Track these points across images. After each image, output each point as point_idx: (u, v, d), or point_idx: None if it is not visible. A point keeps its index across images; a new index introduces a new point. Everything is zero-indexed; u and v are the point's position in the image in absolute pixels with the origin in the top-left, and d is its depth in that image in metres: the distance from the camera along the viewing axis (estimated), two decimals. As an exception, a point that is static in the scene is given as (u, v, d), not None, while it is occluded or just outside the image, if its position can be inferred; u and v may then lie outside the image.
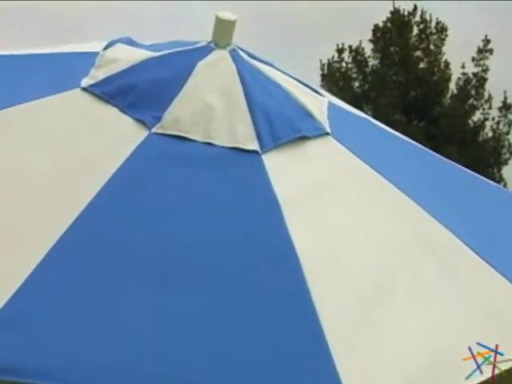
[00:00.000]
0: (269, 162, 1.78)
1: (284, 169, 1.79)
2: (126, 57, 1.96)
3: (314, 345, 1.50)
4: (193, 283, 1.54)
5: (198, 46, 1.99)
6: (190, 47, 1.99)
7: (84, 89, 1.88)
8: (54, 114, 1.84)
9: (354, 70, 19.94)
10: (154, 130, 1.78)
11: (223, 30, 1.98)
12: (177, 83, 1.86)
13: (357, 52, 19.80)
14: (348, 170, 1.90)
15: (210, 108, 1.82)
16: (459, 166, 2.29)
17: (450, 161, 2.31)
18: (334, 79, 19.96)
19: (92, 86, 1.88)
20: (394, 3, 19.00)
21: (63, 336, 1.43)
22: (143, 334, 1.45)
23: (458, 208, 1.98)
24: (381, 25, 19.39)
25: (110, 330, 1.45)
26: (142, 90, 1.85)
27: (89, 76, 1.92)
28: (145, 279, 1.53)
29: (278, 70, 2.10)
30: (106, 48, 2.04)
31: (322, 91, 2.24)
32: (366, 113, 2.71)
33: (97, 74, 1.92)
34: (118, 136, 1.79)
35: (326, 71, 20.06)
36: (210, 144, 1.78)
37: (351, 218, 1.78)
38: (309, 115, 1.95)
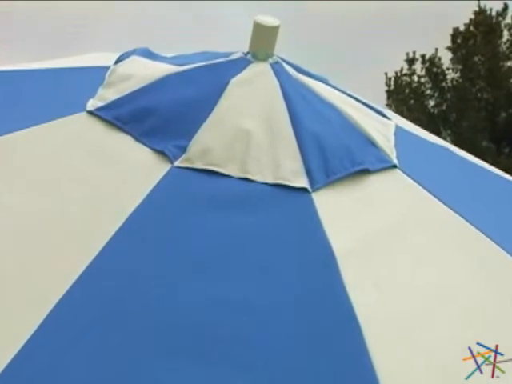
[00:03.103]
0: (321, 203, 1.77)
1: (340, 211, 1.79)
2: (142, 72, 1.99)
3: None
4: (229, 355, 1.52)
5: (231, 58, 2.02)
6: (221, 60, 2.01)
7: (90, 112, 1.90)
8: (53, 145, 1.86)
9: (429, 86, 19.94)
10: (177, 163, 1.79)
11: (263, 37, 2.00)
12: (206, 105, 1.88)
13: (431, 62, 19.81)
14: (421, 212, 1.89)
15: (248, 135, 1.83)
16: None
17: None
18: (403, 97, 19.99)
19: (100, 109, 1.91)
20: (479, 2, 19.01)
21: None
22: None
23: None
24: (462, 28, 19.41)
25: None
26: (163, 114, 1.87)
27: (96, 97, 1.94)
28: (170, 349, 1.52)
29: (333, 86, 2.11)
30: (117, 61, 2.07)
31: (388, 112, 2.24)
32: (444, 139, 2.70)
33: (106, 94, 1.94)
34: (133, 171, 1.80)
35: (392, 87, 20.10)
36: (247, 180, 1.78)
37: (425, 275, 1.76)
38: (371, 143, 1.95)
